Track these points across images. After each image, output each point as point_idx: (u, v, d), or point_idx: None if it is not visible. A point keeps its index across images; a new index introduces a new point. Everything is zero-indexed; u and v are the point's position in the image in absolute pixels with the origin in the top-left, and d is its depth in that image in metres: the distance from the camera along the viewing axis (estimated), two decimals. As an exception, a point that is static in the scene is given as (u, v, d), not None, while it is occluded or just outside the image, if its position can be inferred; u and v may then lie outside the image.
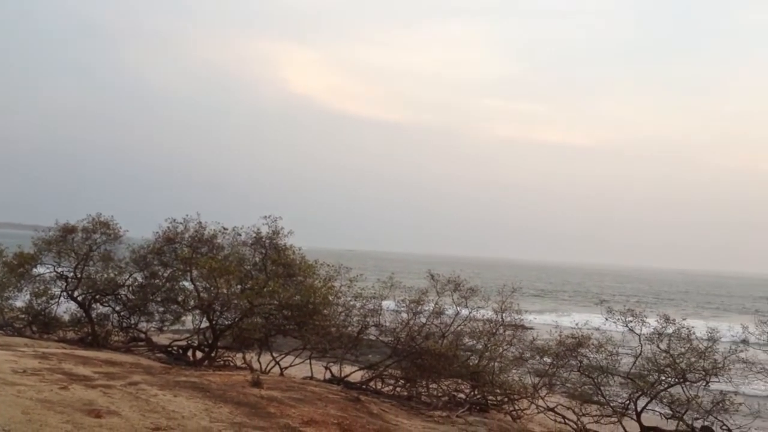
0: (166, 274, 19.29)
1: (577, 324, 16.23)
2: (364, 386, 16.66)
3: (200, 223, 19.00)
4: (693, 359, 14.16)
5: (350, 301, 17.29)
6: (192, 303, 18.68)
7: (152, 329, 19.55)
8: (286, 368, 17.64)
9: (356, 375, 17.23)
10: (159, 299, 19.14)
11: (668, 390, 14.38)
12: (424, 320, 16.92)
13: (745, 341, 14.13)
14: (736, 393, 14.51)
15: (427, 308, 17.07)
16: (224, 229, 18.96)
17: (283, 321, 17.55)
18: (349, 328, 17.10)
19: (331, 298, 17.15)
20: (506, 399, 16.45)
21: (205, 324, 18.19)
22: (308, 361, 17.64)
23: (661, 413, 14.64)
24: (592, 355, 15.23)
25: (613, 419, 14.67)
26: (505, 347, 16.59)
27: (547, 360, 15.73)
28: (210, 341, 17.92)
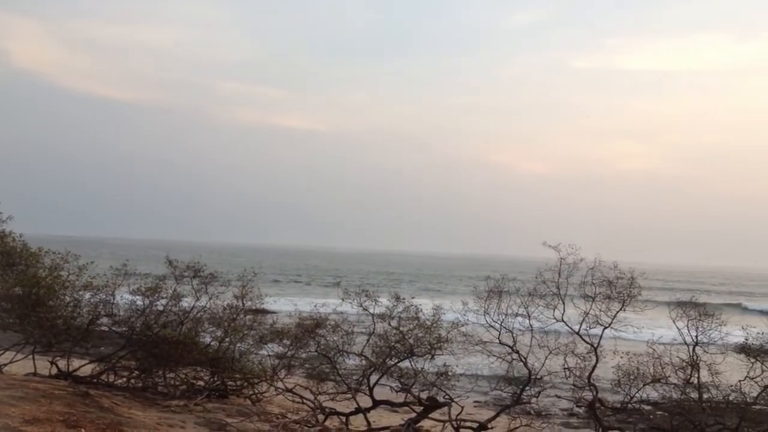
0: None
1: (315, 306, 16.66)
2: (95, 380, 15.79)
3: None
4: (420, 335, 15.18)
5: (79, 290, 16.23)
6: None
7: None
8: (5, 365, 16.15)
9: (87, 368, 16.27)
10: None
11: (398, 365, 15.30)
12: (161, 308, 16.40)
13: (465, 317, 15.34)
14: (457, 365, 15.81)
15: (164, 296, 16.56)
16: (-72, 215, 16.85)
17: (1, 314, 16.04)
18: (79, 320, 16.06)
19: (57, 288, 15.96)
20: (246, 383, 16.50)
21: None
22: (31, 356, 16.31)
23: (391, 387, 15.54)
24: (329, 336, 15.73)
25: (347, 395, 15.30)
26: (245, 332, 16.60)
27: (287, 342, 16.00)
28: None
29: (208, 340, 16.55)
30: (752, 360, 13.72)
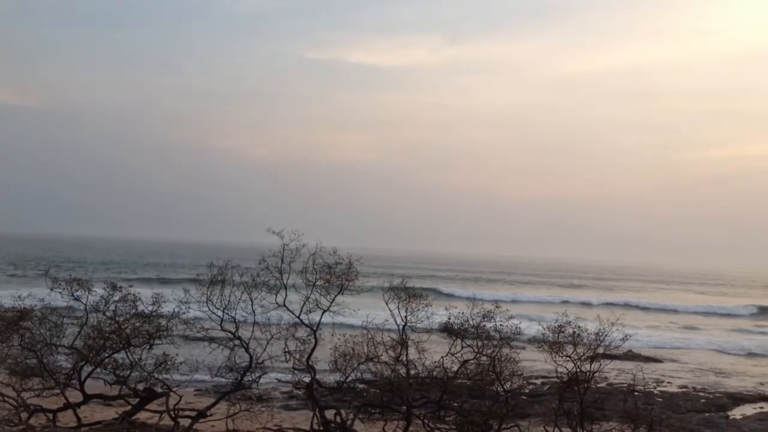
0: None
1: (19, 297, 15.27)
2: None
3: None
4: (138, 324, 14.62)
5: None
6: None
7: None
8: None
9: None
10: None
11: (113, 356, 14.59)
12: None
13: (186, 304, 14.97)
14: (177, 353, 15.45)
15: None
16: None
17: None
18: None
19: None
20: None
21: None
22: None
23: (105, 380, 14.79)
24: (35, 329, 14.57)
25: (56, 391, 14.30)
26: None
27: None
28: None
29: None
30: (453, 338, 15.04)
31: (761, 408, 23.70)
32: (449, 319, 15.19)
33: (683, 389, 26.12)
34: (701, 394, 25.31)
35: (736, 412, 22.85)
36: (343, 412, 14.69)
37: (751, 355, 38.34)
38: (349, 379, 15.03)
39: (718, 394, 25.33)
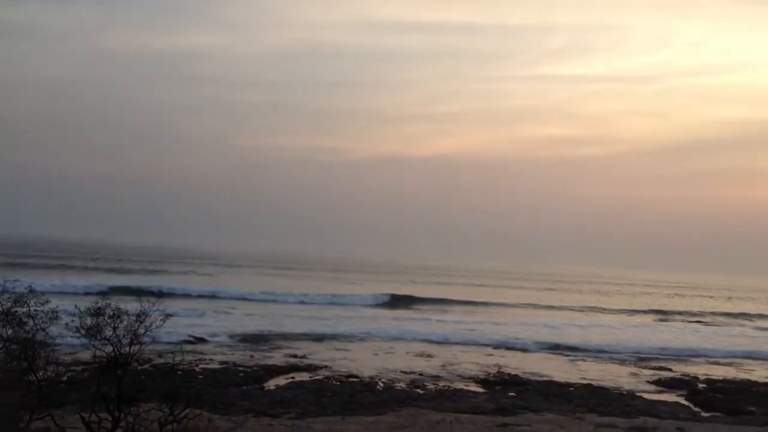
0: None
1: None
2: None
3: None
4: None
5: None
6: None
7: None
8: None
9: None
10: None
11: None
12: None
13: None
14: None
15: None
16: None
17: None
18: None
19: None
20: None
21: None
22: None
23: None
24: None
25: None
26: None
27: None
28: None
29: None
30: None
31: (292, 378, 26.34)
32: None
33: (224, 365, 27.60)
34: (240, 368, 27.10)
35: (271, 383, 25.06)
36: None
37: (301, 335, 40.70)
38: None
39: (255, 368, 27.39)
